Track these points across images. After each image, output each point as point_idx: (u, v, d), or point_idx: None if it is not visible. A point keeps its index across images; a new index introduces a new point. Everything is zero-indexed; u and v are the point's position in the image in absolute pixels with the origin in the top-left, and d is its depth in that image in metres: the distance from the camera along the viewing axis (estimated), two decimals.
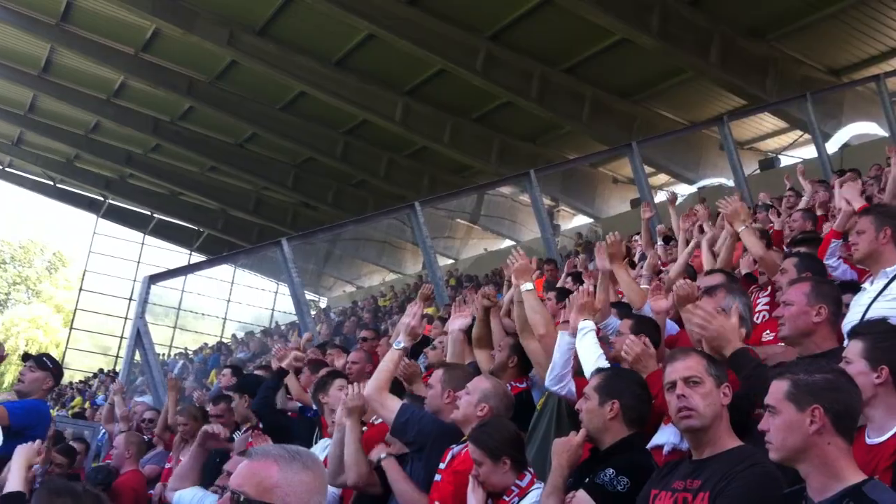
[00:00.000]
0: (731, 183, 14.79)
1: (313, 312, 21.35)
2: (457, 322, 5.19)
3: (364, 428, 4.92)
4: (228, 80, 25.56)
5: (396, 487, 4.30)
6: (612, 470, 3.39)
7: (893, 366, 2.97)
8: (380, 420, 4.92)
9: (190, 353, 30.17)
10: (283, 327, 28.60)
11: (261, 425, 6.30)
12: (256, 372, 8.60)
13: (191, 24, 21.94)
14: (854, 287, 4.49)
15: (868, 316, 3.82)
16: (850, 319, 3.98)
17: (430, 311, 11.65)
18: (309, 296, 27.65)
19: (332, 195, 32.04)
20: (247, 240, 33.79)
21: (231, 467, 4.11)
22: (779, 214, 8.75)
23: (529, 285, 4.93)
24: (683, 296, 4.23)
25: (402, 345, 4.67)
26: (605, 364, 4.26)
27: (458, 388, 4.44)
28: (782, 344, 3.97)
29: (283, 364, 6.62)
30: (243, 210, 35.07)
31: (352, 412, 4.66)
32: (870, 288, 4.08)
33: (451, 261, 30.45)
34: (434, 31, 20.34)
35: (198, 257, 36.49)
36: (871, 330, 3.19)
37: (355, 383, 4.89)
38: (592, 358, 4.29)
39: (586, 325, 4.42)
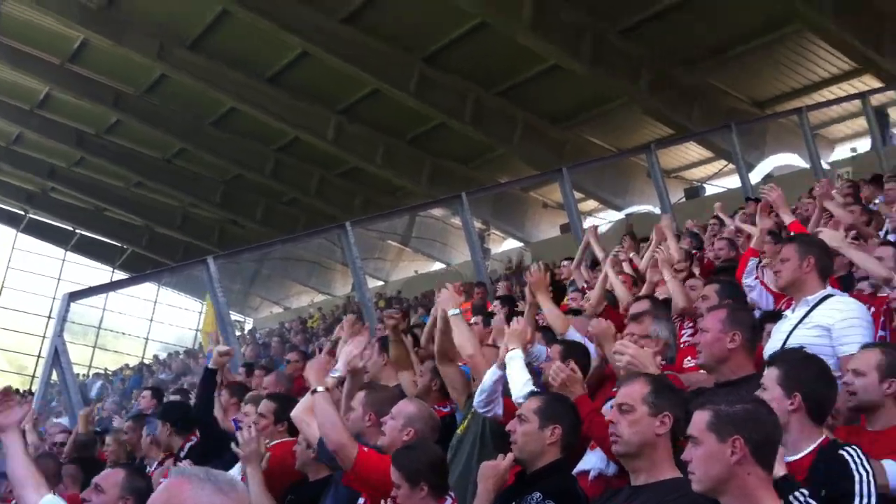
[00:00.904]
0: (657, 210, 15.01)
1: (238, 333, 20.97)
2: (349, 353, 5.02)
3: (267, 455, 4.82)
4: (158, 94, 25.09)
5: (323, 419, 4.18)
6: (539, 494, 3.37)
7: (806, 393, 3.04)
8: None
9: (109, 373, 29.34)
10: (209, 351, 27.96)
11: (193, 439, 6.09)
12: (173, 397, 8.36)
13: (120, 35, 21.53)
14: (777, 316, 4.55)
15: (789, 343, 3.88)
16: (771, 346, 4.04)
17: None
18: (235, 316, 27.24)
19: (261, 213, 31.62)
20: (172, 258, 33.06)
21: (101, 480, 3.97)
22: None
23: (456, 311, 4.93)
24: (598, 333, 4.26)
25: (338, 374, 4.61)
26: (534, 388, 4.24)
27: (381, 411, 4.38)
28: (703, 371, 4.01)
29: (210, 364, 6.38)
30: (169, 227, 34.36)
31: (248, 459, 4.60)
32: (791, 315, 4.15)
33: (381, 282, 30.31)
34: (369, 50, 20.32)
35: (121, 275, 35.57)
36: (786, 358, 3.25)
37: (249, 427, 4.78)
38: (521, 381, 4.28)
39: (514, 353, 4.42)
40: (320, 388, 4.27)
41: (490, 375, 4.41)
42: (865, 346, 3.43)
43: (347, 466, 4.02)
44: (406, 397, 4.84)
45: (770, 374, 3.15)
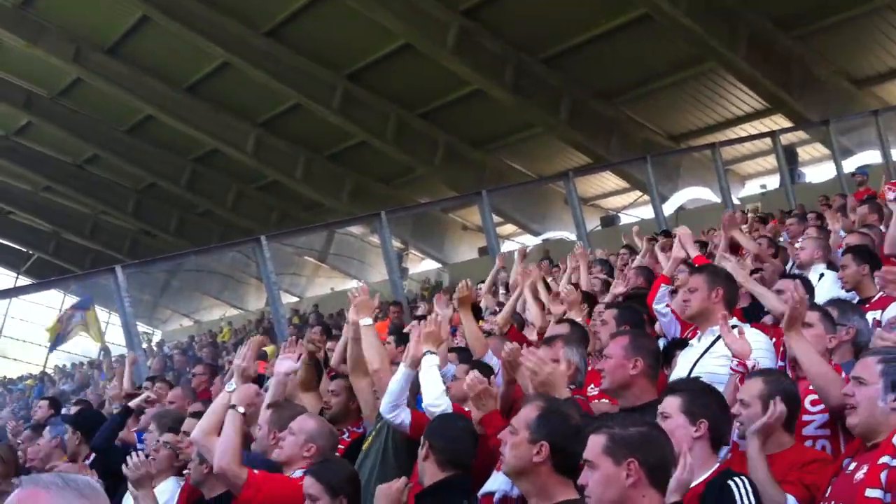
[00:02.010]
0: (573, 237, 15.25)
1: (144, 345, 20.44)
2: (283, 365, 4.94)
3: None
4: (72, 98, 24.43)
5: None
6: None
7: (711, 421, 3.10)
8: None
9: (6, 380, 28.23)
10: (114, 361, 27.17)
11: (87, 463, 5.88)
12: (74, 408, 8.06)
13: (36, 36, 20.95)
14: (684, 344, 4.64)
15: (695, 372, 3.95)
16: (677, 375, 4.10)
17: (269, 349, 11.37)
18: (142, 328, 26.51)
19: (175, 224, 30.92)
20: (79, 265, 32.06)
21: None
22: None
23: (369, 321, 4.86)
24: (509, 361, 4.28)
25: (233, 387, 4.50)
26: (448, 403, 4.23)
27: (284, 429, 4.30)
28: (606, 401, 4.06)
29: (132, 404, 6.26)
30: (78, 234, 33.29)
31: (139, 484, 4.51)
32: (697, 345, 4.23)
33: (295, 298, 29.94)
34: (292, 64, 20.20)
35: (25, 281, 34.33)
36: (687, 387, 3.31)
37: (137, 452, 4.66)
38: (436, 393, 4.25)
39: (432, 359, 4.38)
40: (241, 410, 4.21)
41: (399, 375, 4.34)
42: (749, 376, 3.51)
43: (236, 491, 3.96)
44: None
45: (672, 402, 3.18)
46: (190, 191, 28.04)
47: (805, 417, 3.57)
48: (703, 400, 3.16)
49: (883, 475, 2.77)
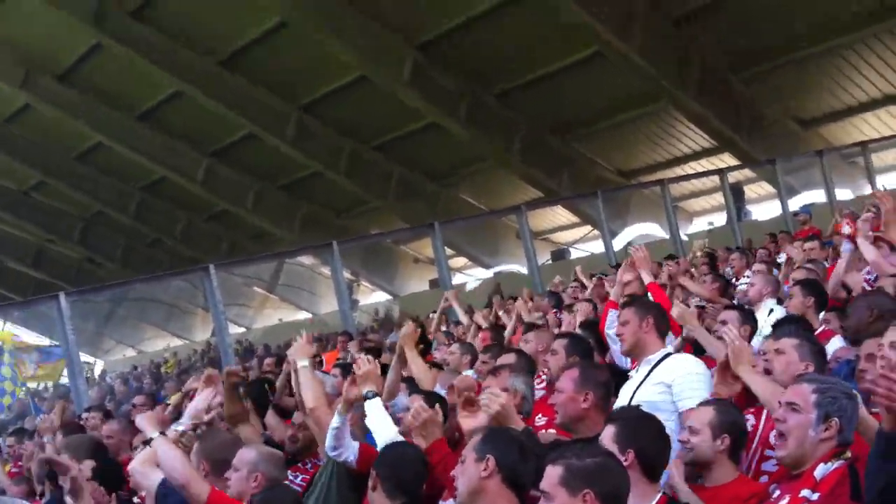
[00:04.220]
0: (524, 270, 15.29)
1: (87, 375, 19.95)
2: (196, 404, 4.78)
3: None
4: (19, 123, 24.04)
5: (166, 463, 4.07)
6: None
7: (639, 450, 3.10)
8: None
9: None
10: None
11: None
12: (10, 438, 7.82)
13: None
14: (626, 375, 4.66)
15: (634, 401, 3.97)
16: (619, 405, 4.12)
17: None
18: (84, 357, 25.88)
19: (121, 253, 30.44)
20: (22, 294, 31.30)
21: None
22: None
23: (306, 362, 4.83)
24: (463, 387, 4.27)
25: (181, 427, 4.50)
26: (398, 435, 4.22)
27: (214, 459, 4.30)
28: (552, 430, 4.06)
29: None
30: (21, 262, 32.60)
31: None
32: (635, 375, 4.26)
33: (243, 329, 29.56)
34: (245, 94, 20.12)
35: None
36: (622, 416, 3.35)
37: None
38: (387, 430, 4.25)
39: (376, 402, 4.36)
40: (156, 434, 4.19)
41: (333, 423, 4.30)
42: (700, 404, 3.54)
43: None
44: (242, 443, 4.67)
45: (607, 432, 3.21)
46: (138, 220, 27.66)
47: (767, 452, 3.59)
48: (635, 430, 3.18)
49: None
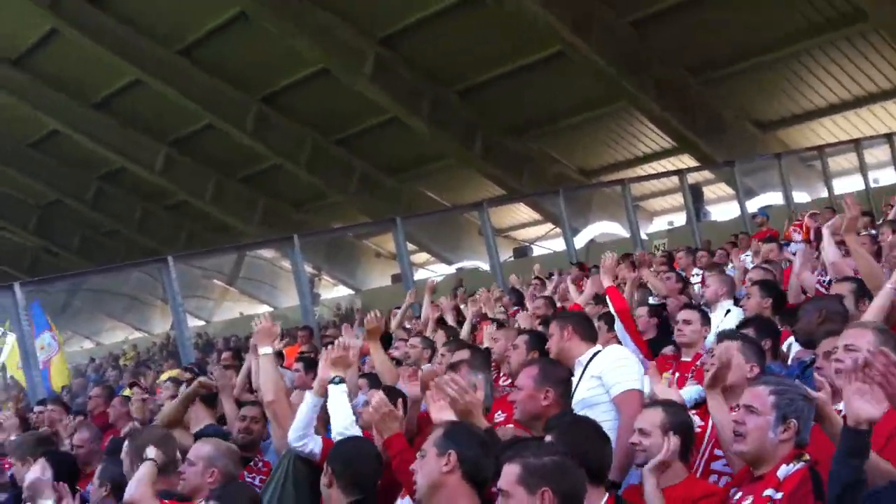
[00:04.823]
0: (486, 267, 15.33)
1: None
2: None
3: None
4: None
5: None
6: None
7: (581, 456, 2.99)
8: None
9: None
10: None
11: None
12: None
13: None
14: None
15: (574, 400, 4.04)
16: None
17: (173, 373, 11.06)
18: None
19: (78, 242, 30.01)
20: None
21: None
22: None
23: (268, 350, 4.81)
24: (428, 378, 4.26)
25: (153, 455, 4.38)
26: (357, 429, 4.19)
27: (140, 455, 4.18)
28: (511, 426, 4.08)
29: None
30: None
31: None
32: (574, 379, 4.32)
33: (202, 322, 29.28)
34: (205, 84, 19.93)
35: None
36: (558, 423, 3.40)
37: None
38: (345, 421, 4.21)
39: (341, 387, 4.32)
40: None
41: (307, 404, 4.28)
42: (648, 405, 3.59)
43: None
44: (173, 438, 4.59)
45: (547, 440, 3.23)
46: (95, 209, 27.28)
47: (717, 452, 3.64)
48: (574, 435, 3.20)
49: None
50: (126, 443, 4.37)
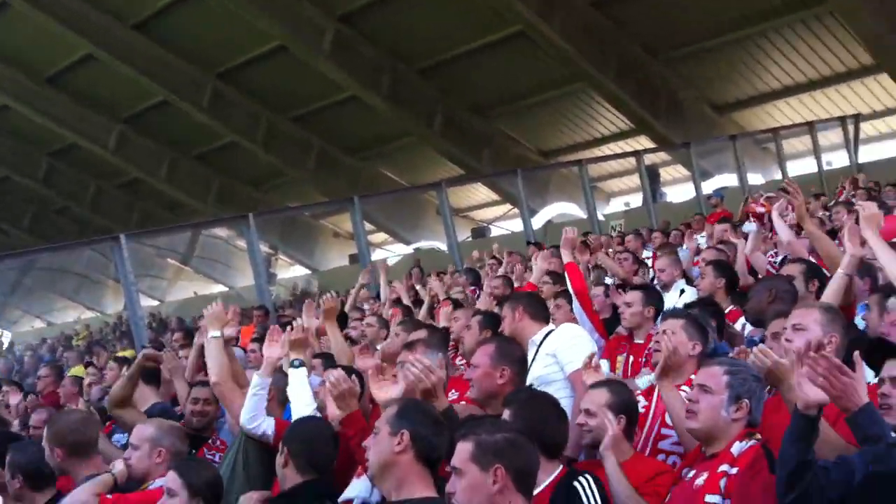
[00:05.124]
0: (444, 247, 15.31)
1: None
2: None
3: None
4: None
5: None
6: None
7: (536, 430, 3.06)
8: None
9: None
10: None
11: None
12: None
13: None
14: None
15: (529, 377, 4.07)
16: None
17: (127, 353, 10.93)
18: None
19: (29, 220, 29.46)
20: None
21: None
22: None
23: (217, 333, 4.79)
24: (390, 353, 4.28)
25: (118, 469, 4.27)
26: (314, 409, 4.18)
27: (62, 442, 4.10)
28: (464, 403, 4.09)
29: None
30: None
31: None
32: (529, 358, 4.34)
33: (156, 302, 28.91)
34: (159, 60, 19.60)
35: None
36: (515, 398, 3.41)
37: None
38: (306, 399, 4.24)
39: (301, 370, 4.35)
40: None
41: (254, 386, 4.28)
42: (593, 386, 3.61)
43: None
44: (94, 420, 4.51)
45: (504, 416, 3.27)
46: (46, 186, 26.81)
47: (664, 431, 3.67)
48: (530, 411, 3.23)
49: (722, 482, 2.87)
50: (45, 429, 4.27)
